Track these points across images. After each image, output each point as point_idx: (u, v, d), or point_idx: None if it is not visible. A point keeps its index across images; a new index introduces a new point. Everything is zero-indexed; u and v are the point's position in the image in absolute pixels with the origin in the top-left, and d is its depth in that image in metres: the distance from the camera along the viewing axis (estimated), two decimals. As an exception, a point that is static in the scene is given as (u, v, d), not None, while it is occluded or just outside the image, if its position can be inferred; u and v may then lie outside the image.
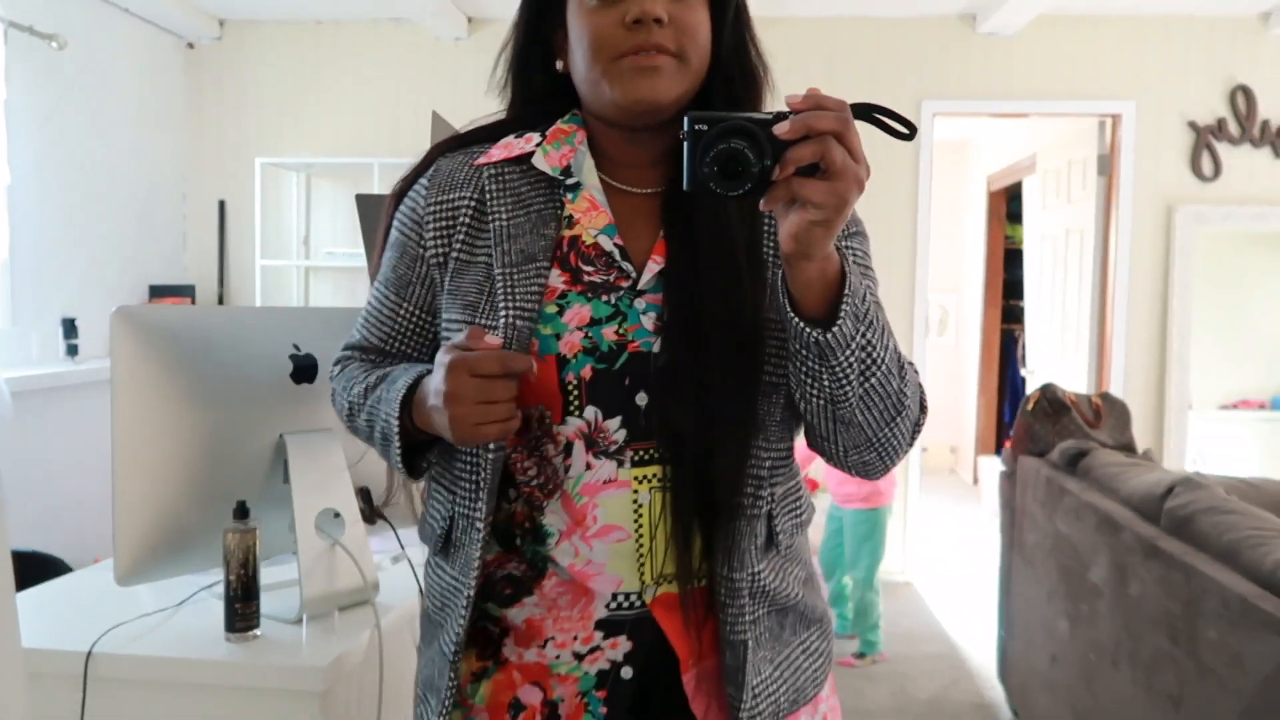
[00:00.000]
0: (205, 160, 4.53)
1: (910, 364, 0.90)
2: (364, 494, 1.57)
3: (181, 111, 4.49)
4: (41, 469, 3.27)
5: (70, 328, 3.65)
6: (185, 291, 4.33)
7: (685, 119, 0.76)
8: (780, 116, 0.75)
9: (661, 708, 0.94)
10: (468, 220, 0.94)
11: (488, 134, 1.00)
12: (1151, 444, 4.23)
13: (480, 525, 0.92)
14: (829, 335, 0.79)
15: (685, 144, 0.76)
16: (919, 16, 4.26)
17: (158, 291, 4.24)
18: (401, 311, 0.99)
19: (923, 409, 0.92)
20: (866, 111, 0.82)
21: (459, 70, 4.40)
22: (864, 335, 0.81)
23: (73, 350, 3.64)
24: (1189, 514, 1.91)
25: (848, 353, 0.81)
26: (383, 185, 4.34)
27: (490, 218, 0.93)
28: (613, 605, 0.92)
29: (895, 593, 4.24)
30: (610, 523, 0.90)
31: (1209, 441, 4.89)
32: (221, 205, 4.53)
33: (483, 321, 0.91)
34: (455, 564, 0.96)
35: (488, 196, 0.94)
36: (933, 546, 4.96)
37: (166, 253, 4.41)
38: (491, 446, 0.91)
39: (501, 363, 0.82)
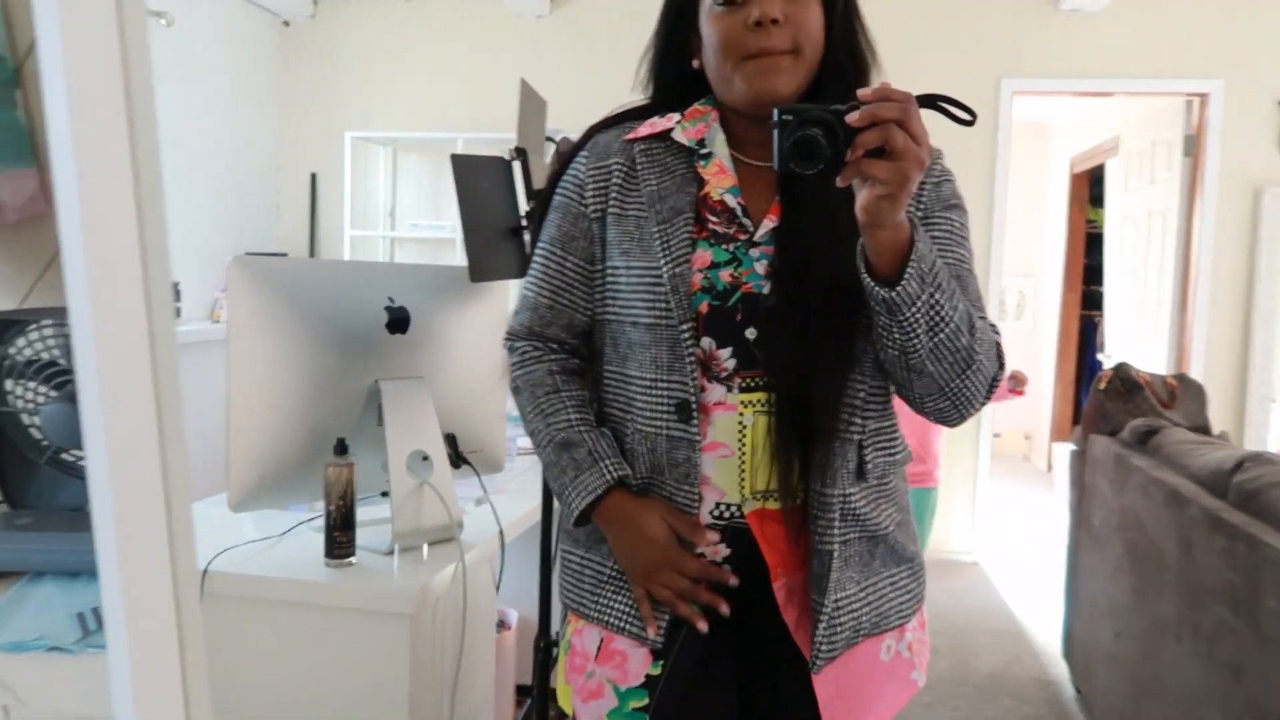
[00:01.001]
0: (298, 134, 4.72)
1: (991, 325, 1.03)
2: (450, 439, 1.68)
3: (276, 87, 4.68)
4: (146, 422, 3.48)
5: (174, 291, 3.86)
6: (278, 259, 4.54)
7: (775, 111, 0.90)
8: (854, 107, 0.88)
9: (753, 612, 1.08)
10: (619, 181, 1.10)
11: (635, 114, 1.16)
12: (1231, 431, 4.15)
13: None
14: (894, 293, 0.92)
15: (774, 132, 0.90)
16: (1001, -7, 4.21)
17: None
18: (568, 264, 1.13)
19: (1001, 366, 1.03)
20: (931, 100, 0.97)
21: (541, 47, 4.50)
22: (930, 295, 0.93)
23: (175, 312, 3.85)
24: (1257, 487, 1.91)
25: (914, 309, 0.93)
26: (465, 160, 4.46)
27: (642, 184, 1.09)
28: (715, 514, 1.06)
29: (961, 572, 4.25)
30: (718, 439, 1.05)
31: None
32: (313, 178, 4.72)
33: (636, 265, 1.07)
34: (641, 469, 1.10)
35: (638, 167, 1.10)
36: (1002, 530, 4.94)
37: (261, 222, 4.62)
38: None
39: (703, 572, 1.04)
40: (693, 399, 1.03)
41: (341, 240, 4.64)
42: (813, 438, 1.02)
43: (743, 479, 1.05)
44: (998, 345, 1.03)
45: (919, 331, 0.94)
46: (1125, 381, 2.91)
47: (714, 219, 1.08)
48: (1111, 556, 2.63)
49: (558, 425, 1.11)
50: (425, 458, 1.58)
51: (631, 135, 1.12)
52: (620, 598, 1.10)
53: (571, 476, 1.08)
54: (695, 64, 1.11)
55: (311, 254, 4.70)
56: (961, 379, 0.99)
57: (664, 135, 1.11)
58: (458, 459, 1.67)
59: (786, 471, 1.02)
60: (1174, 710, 2.11)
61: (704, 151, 1.10)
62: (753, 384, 1.04)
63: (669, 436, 1.06)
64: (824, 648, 1.03)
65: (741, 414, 1.04)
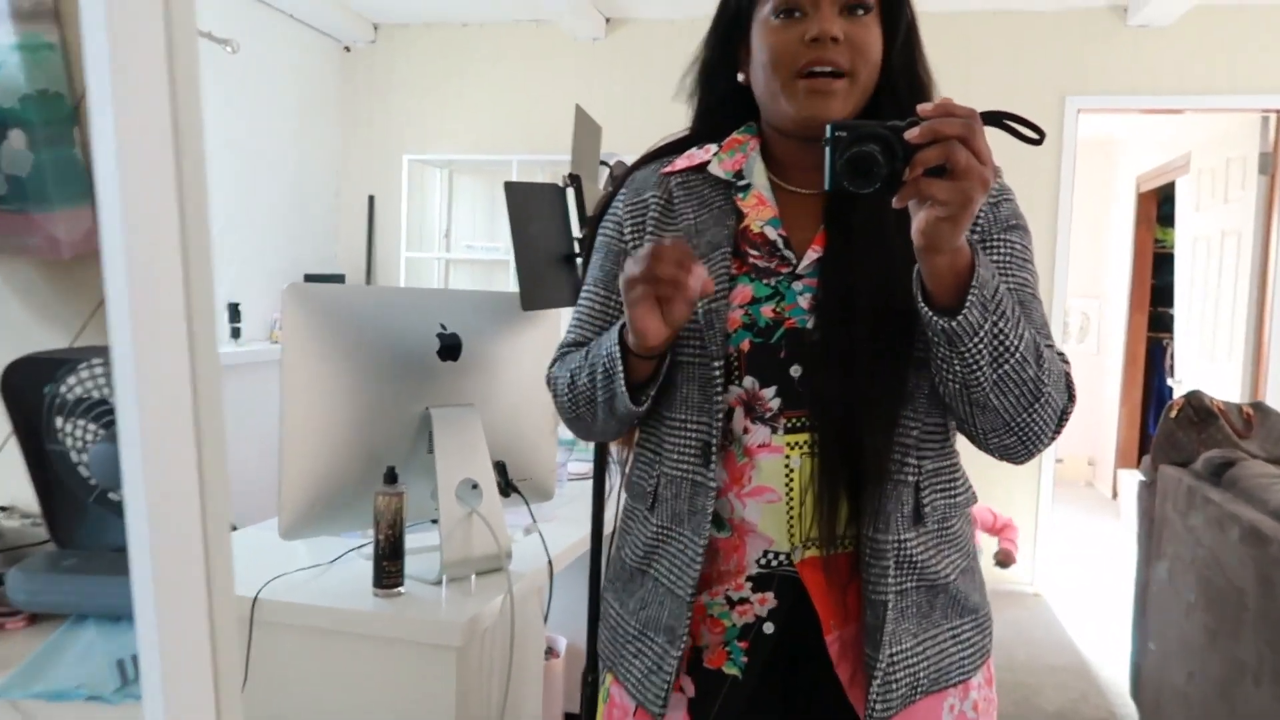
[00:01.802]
0: (357, 157, 4.80)
1: (1060, 354, 0.96)
2: (500, 468, 1.66)
3: (336, 111, 4.76)
4: (206, 441, 3.54)
5: (234, 312, 3.93)
6: (336, 280, 4.60)
7: (828, 127, 0.85)
8: (913, 123, 0.82)
9: (804, 667, 1.01)
10: (656, 214, 1.07)
11: (672, 148, 1.13)
12: (1311, 461, 3.97)
13: (713, 483, 1.00)
14: (954, 323, 0.85)
15: (826, 148, 0.85)
16: (1064, 9, 4.12)
17: (311, 280, 4.51)
18: (612, 303, 1.10)
19: (1071, 398, 0.96)
20: (996, 118, 0.91)
21: (596, 69, 4.51)
22: (994, 324, 0.86)
23: (236, 333, 3.92)
24: (1344, 528, 1.81)
25: (976, 340, 0.86)
26: (520, 180, 4.48)
27: (679, 218, 1.05)
28: (762, 562, 1.00)
29: (1023, 603, 4.12)
30: (763, 484, 0.99)
31: (1379, 462, 4.54)
32: (371, 200, 4.78)
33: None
34: (663, 517, 1.04)
35: (675, 201, 1.06)
36: (1065, 559, 4.78)
37: (319, 244, 4.69)
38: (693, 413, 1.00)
39: (679, 250, 0.90)
40: (714, 442, 0.99)
41: (397, 262, 4.69)
42: (862, 480, 0.96)
43: (791, 526, 0.98)
44: (1067, 375, 0.96)
45: (982, 363, 0.88)
46: (1198, 410, 2.79)
47: (754, 252, 1.03)
48: (1183, 593, 2.52)
49: (579, 357, 1.06)
50: (475, 486, 1.56)
51: (668, 169, 1.09)
52: (638, 661, 1.04)
53: (602, 342, 1.01)
54: (741, 78, 1.07)
55: (368, 275, 4.76)
56: (1029, 413, 0.92)
57: (701, 167, 1.07)
58: (507, 487, 1.66)
59: (830, 517, 0.96)
60: (1254, 759, 2.00)
61: (742, 184, 1.05)
62: (799, 424, 0.98)
63: (693, 482, 1.01)
64: (879, 706, 0.96)
65: (788, 456, 0.98)
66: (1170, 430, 2.83)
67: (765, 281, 1.01)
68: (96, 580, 0.73)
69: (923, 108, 0.82)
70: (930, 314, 0.87)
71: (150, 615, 0.61)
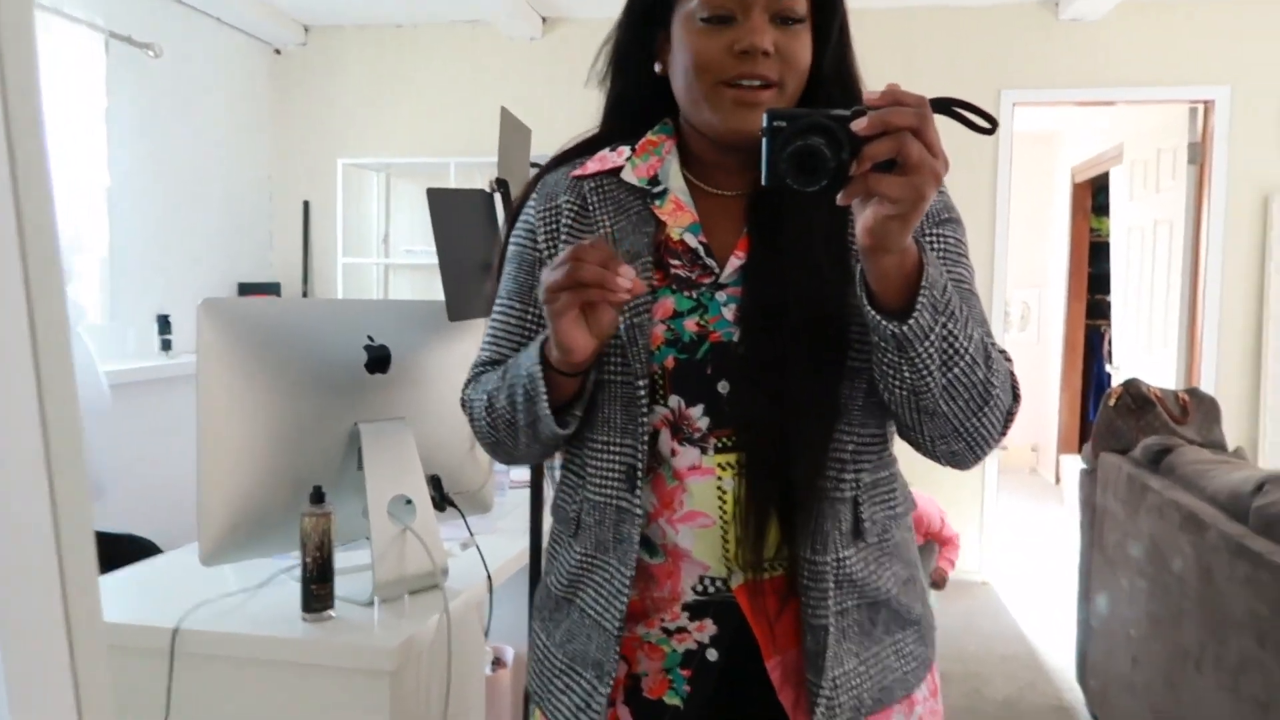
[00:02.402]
0: (290, 162, 4.68)
1: (1002, 352, 0.91)
2: (434, 481, 1.61)
3: (268, 115, 4.64)
4: (137, 457, 3.43)
5: (164, 324, 3.81)
6: (271, 289, 4.49)
7: (765, 115, 0.77)
8: (858, 113, 0.75)
9: (747, 694, 0.96)
10: (569, 220, 1.00)
11: (584, 149, 1.06)
12: (1245, 444, 4.06)
13: (639, 510, 0.94)
14: (905, 327, 0.80)
15: (764, 141, 0.77)
16: (998, 4, 4.16)
17: (246, 289, 4.40)
18: (529, 316, 1.03)
19: (1015, 398, 0.91)
20: (945, 105, 0.85)
21: (534, 69, 4.46)
22: (944, 326, 0.81)
23: (166, 345, 3.80)
24: (1279, 512, 1.84)
25: (926, 344, 0.81)
26: (458, 182, 4.42)
27: (596, 225, 0.98)
28: (698, 589, 0.95)
29: (971, 593, 4.16)
30: (695, 508, 0.93)
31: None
32: (306, 205, 4.68)
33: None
34: (586, 544, 0.99)
35: (590, 207, 1.00)
36: (1011, 546, 4.85)
37: (254, 251, 4.57)
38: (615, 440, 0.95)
39: (600, 251, 0.84)
40: (639, 465, 0.93)
41: (334, 268, 4.59)
42: (795, 501, 0.91)
43: (726, 550, 0.93)
44: (1012, 375, 0.92)
45: (932, 368, 0.82)
46: (1136, 398, 2.83)
47: (675, 262, 0.97)
48: (1126, 580, 2.55)
49: (496, 377, 1.00)
50: (408, 502, 1.51)
51: (579, 172, 1.02)
52: (566, 698, 0.99)
53: (520, 360, 0.95)
54: (659, 68, 1.00)
55: (304, 283, 4.65)
56: (978, 417, 0.87)
57: (615, 171, 1.01)
58: (442, 502, 1.61)
59: (758, 541, 0.91)
60: (1198, 744, 2.02)
61: (658, 190, 0.99)
62: (729, 444, 0.93)
63: (618, 508, 0.95)
64: None
65: (720, 478, 0.93)
66: (1110, 418, 2.86)
67: (687, 294, 0.95)
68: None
69: (870, 96, 0.75)
70: (879, 318, 0.81)
71: None
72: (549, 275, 0.85)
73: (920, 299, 0.80)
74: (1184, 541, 2.14)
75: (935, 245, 0.96)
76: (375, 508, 1.46)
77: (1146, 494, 2.42)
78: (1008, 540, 4.85)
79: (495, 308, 1.07)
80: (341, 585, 1.46)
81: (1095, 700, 2.86)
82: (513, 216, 1.08)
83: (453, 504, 1.63)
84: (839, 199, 0.77)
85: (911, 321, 0.80)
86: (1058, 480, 6.41)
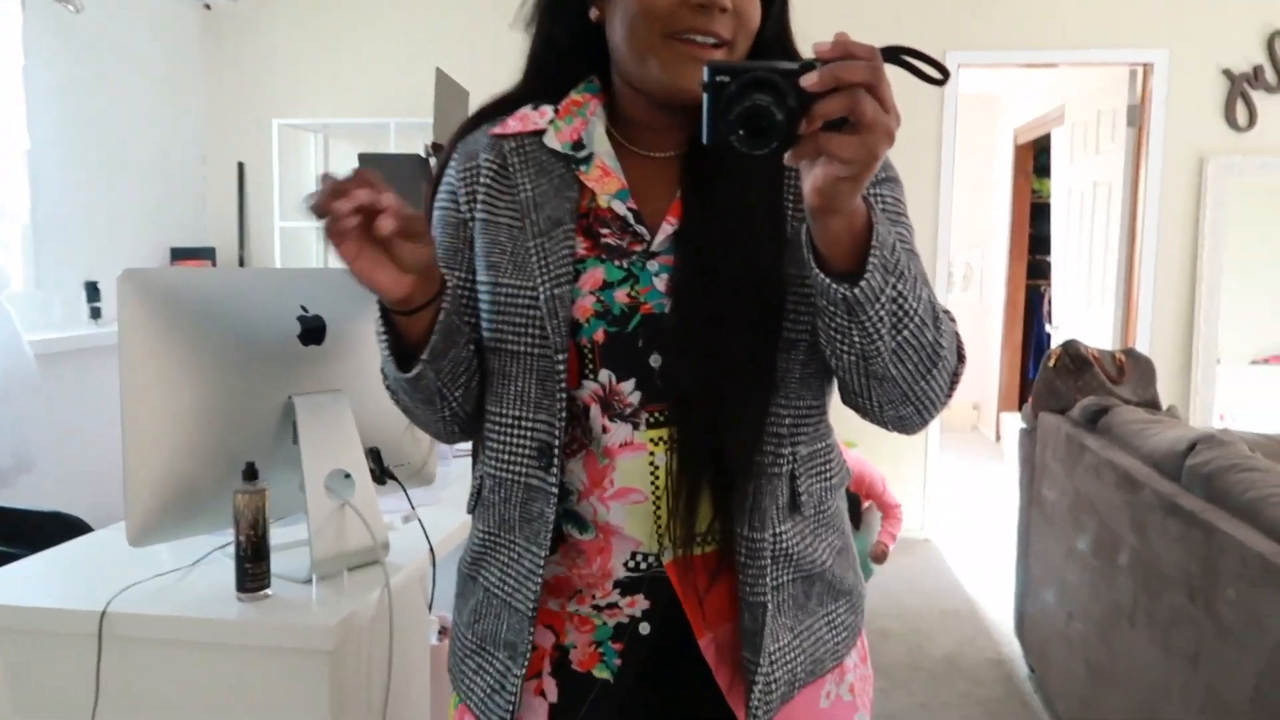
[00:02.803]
0: (223, 122, 4.53)
1: (946, 312, 0.89)
2: (374, 454, 1.57)
3: (199, 74, 4.48)
4: (67, 431, 3.32)
5: (93, 291, 3.68)
6: (206, 254, 4.36)
7: (705, 69, 0.71)
8: (807, 66, 0.70)
9: (680, 670, 0.94)
10: (488, 181, 0.95)
11: (501, 107, 0.99)
12: (1178, 400, 4.17)
13: (551, 486, 0.91)
14: (856, 290, 0.76)
15: (705, 97, 0.71)
16: (943, -36, 4.15)
17: (179, 254, 4.26)
18: (454, 282, 0.97)
19: (960, 359, 0.90)
20: (895, 55, 0.80)
21: (475, 28, 4.34)
22: (894, 287, 0.78)
23: (96, 313, 3.67)
24: (1210, 471, 1.88)
25: (877, 306, 0.78)
26: (399, 144, 4.32)
27: (518, 189, 0.94)
28: (630, 565, 0.92)
29: (913, 550, 4.24)
30: (627, 485, 0.91)
31: (1238, 397, 4.81)
32: (240, 167, 4.53)
33: (505, 281, 0.91)
34: (488, 521, 0.96)
35: (510, 168, 0.95)
36: (953, 504, 4.95)
37: (187, 215, 4.42)
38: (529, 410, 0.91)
39: (360, 181, 0.79)
40: (556, 443, 0.90)
41: (271, 233, 4.47)
42: (730, 474, 0.88)
43: (659, 525, 0.90)
44: (957, 335, 0.89)
45: (882, 331, 0.79)
46: (1074, 358, 2.88)
47: (605, 230, 0.92)
48: (1063, 538, 2.61)
49: None
50: (347, 476, 1.47)
51: (499, 130, 0.96)
52: (479, 679, 0.96)
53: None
54: (594, 14, 0.94)
55: (240, 247, 4.52)
56: (926, 380, 0.85)
57: (537, 133, 0.95)
58: (383, 475, 1.57)
59: (689, 517, 0.88)
60: (1131, 697, 2.09)
61: (582, 155, 0.93)
62: (662, 418, 0.90)
63: (527, 485, 0.92)
64: (760, 713, 0.90)
65: (652, 453, 0.90)
66: (1049, 379, 2.91)
67: (617, 263, 0.91)
68: None
69: (819, 48, 0.70)
70: (827, 281, 0.77)
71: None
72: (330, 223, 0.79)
73: (871, 259, 0.76)
74: (1119, 500, 2.19)
75: (875, 204, 0.93)
76: (312, 483, 1.42)
77: (1084, 453, 2.47)
78: (949, 498, 4.95)
79: None
80: (278, 562, 1.43)
81: (1033, 653, 2.94)
82: (435, 180, 1.02)
83: (393, 477, 1.60)
84: (787, 159, 0.72)
85: (863, 283, 0.76)
86: (998, 438, 6.54)
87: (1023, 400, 6.52)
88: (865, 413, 0.91)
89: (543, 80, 0.98)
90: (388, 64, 4.42)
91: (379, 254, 0.80)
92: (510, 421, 0.93)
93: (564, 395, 0.89)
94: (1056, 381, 2.88)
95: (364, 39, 4.43)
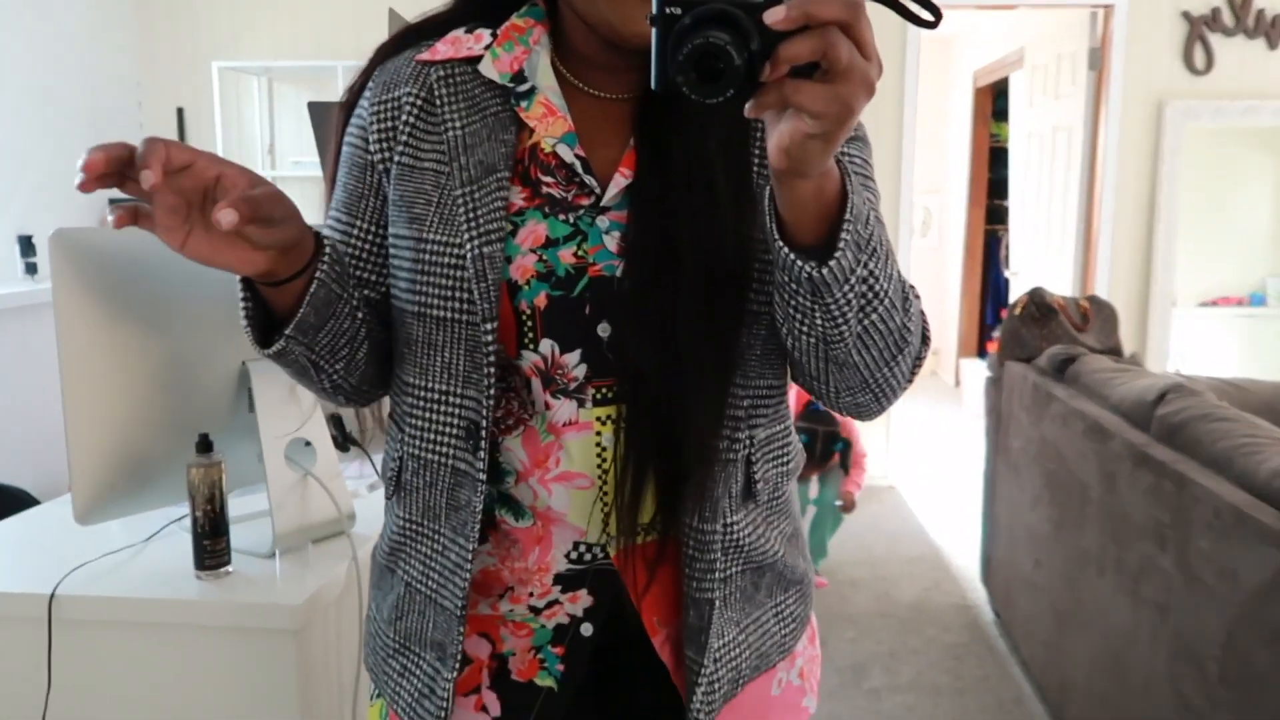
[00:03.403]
0: (160, 65, 4.31)
1: (912, 288, 0.80)
2: (336, 421, 1.51)
3: (132, 13, 4.25)
4: (5, 395, 3.18)
5: (27, 245, 3.51)
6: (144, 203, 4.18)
7: (653, 2, 0.60)
8: (773, 1, 0.58)
9: (628, 671, 0.87)
10: (411, 119, 0.82)
11: (435, 29, 0.86)
12: (1135, 344, 4.22)
13: (473, 466, 0.82)
14: (825, 269, 0.67)
15: (654, 33, 0.60)
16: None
17: (116, 204, 4.08)
18: (355, 232, 0.85)
19: (925, 341, 0.81)
20: None
21: (423, -35, 4.17)
22: (866, 266, 0.69)
23: (31, 269, 3.51)
24: (1181, 421, 1.88)
25: (846, 288, 0.68)
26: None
27: (444, 127, 0.81)
28: (573, 556, 0.83)
29: (878, 496, 4.27)
30: (572, 468, 0.81)
31: (1190, 339, 4.89)
32: (180, 113, 4.33)
33: (431, 237, 0.79)
34: (410, 509, 0.87)
35: (438, 101, 0.82)
36: (915, 450, 4.99)
37: (124, 165, 4.23)
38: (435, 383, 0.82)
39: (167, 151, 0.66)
40: (483, 422, 0.79)
41: (217, 181, 4.29)
42: (684, 463, 0.79)
43: (605, 513, 0.81)
44: (923, 315, 0.80)
45: (849, 314, 0.70)
46: (1040, 306, 2.88)
47: (547, 179, 0.80)
48: (1030, 486, 2.63)
49: None
50: (307, 444, 1.41)
51: (426, 56, 0.83)
52: (405, 681, 0.86)
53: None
54: None
55: (185, 197, 4.35)
56: (890, 366, 0.76)
57: (472, 61, 0.82)
58: (345, 442, 1.51)
59: (633, 505, 0.79)
60: (1098, 643, 2.11)
61: (524, 88, 0.81)
62: (610, 395, 0.80)
63: (454, 469, 0.82)
64: (702, 715, 0.82)
65: (599, 433, 0.80)
66: (1014, 327, 2.91)
67: (562, 218, 0.80)
68: None
69: None
70: (792, 256, 0.67)
71: None
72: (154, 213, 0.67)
73: (844, 235, 0.66)
74: (1088, 449, 2.20)
75: (841, 164, 0.77)
76: (270, 453, 1.36)
77: (1051, 402, 2.48)
78: (912, 444, 4.99)
79: (326, 218, 0.89)
80: (239, 536, 1.36)
81: (999, 599, 2.98)
82: (346, 107, 0.87)
83: (357, 443, 1.54)
84: (747, 110, 0.61)
85: (834, 262, 0.66)
86: (957, 383, 6.61)
87: (981, 346, 6.60)
88: (820, 397, 0.82)
89: (478, 5, 0.86)
90: (332, 4, 4.23)
91: (222, 235, 0.67)
92: (436, 397, 0.82)
93: (493, 369, 0.78)
94: (1022, 329, 2.88)
95: (307, -23, 4.23)
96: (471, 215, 0.78)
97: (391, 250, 0.83)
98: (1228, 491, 1.62)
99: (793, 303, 0.71)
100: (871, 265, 0.69)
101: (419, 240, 0.80)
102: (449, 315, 0.79)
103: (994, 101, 6.42)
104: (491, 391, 0.79)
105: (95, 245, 1.24)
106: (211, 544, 1.29)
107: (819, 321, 0.71)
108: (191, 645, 1.25)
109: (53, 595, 1.24)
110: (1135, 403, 2.09)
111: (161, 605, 1.25)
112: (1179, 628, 1.73)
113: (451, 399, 0.81)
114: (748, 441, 0.84)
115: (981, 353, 6.50)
